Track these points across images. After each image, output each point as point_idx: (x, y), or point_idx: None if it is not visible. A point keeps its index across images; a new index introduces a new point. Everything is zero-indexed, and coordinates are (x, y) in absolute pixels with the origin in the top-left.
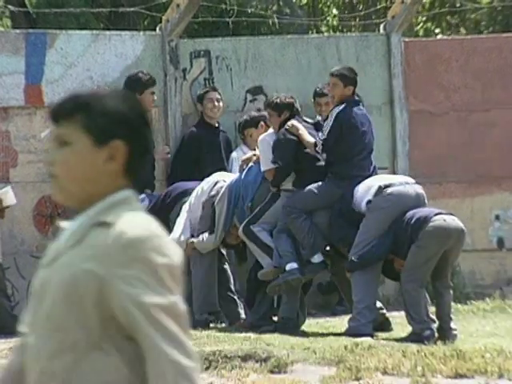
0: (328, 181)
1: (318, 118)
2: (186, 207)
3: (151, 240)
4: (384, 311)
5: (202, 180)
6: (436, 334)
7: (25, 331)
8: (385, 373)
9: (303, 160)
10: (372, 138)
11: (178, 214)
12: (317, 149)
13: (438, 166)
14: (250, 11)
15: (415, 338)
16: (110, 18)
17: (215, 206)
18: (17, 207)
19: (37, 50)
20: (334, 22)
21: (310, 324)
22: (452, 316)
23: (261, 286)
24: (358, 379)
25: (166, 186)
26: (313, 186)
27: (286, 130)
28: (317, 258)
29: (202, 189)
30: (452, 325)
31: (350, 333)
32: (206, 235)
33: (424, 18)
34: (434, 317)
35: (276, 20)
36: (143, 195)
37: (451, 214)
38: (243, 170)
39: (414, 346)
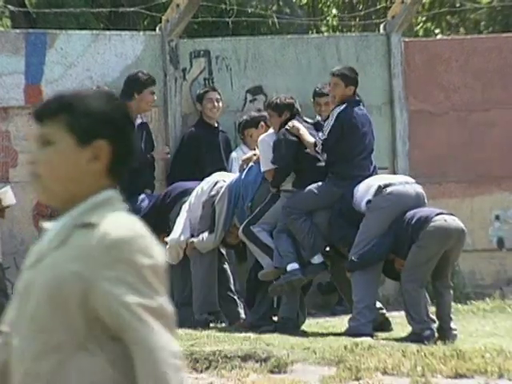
0: (328, 181)
1: (318, 118)
2: (185, 207)
3: (135, 241)
4: (384, 311)
5: (201, 180)
6: (436, 334)
7: (6, 331)
8: (385, 373)
9: (303, 160)
10: (372, 138)
11: (178, 214)
12: (317, 149)
13: (437, 165)
14: (249, 11)
15: (415, 337)
16: (109, 18)
17: (215, 205)
18: (17, 207)
19: (37, 50)
20: (334, 22)
21: (309, 324)
22: (452, 316)
23: (261, 286)
24: (357, 379)
25: (165, 186)
26: (313, 187)
27: (287, 130)
28: (317, 259)
29: (202, 188)
30: (452, 325)
31: (350, 333)
32: (205, 235)
33: (424, 18)
34: (434, 317)
35: (276, 20)
36: (143, 195)
37: (452, 215)
38: (243, 169)
39: (413, 346)
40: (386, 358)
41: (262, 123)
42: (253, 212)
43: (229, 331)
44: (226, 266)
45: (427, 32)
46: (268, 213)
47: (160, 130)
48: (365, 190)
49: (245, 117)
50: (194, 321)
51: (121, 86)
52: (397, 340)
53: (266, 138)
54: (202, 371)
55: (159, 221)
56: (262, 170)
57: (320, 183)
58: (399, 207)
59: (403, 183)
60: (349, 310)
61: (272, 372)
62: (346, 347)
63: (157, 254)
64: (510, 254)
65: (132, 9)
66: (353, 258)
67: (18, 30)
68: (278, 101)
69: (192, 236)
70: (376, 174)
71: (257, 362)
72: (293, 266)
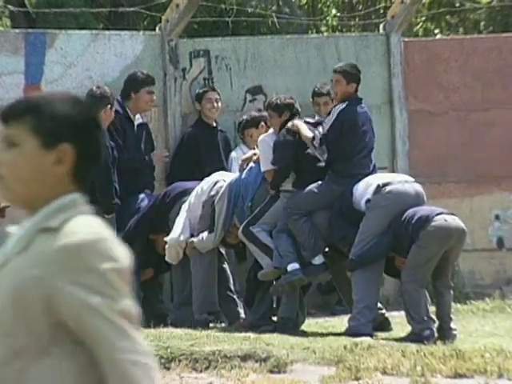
0: (328, 179)
1: (317, 117)
2: (185, 207)
3: (97, 244)
4: (383, 311)
5: (201, 180)
6: (436, 334)
7: None
8: (384, 373)
9: (303, 161)
10: (373, 137)
11: (178, 214)
12: (314, 142)
13: (437, 165)
14: (249, 11)
15: (415, 337)
16: (109, 18)
17: (215, 205)
18: (17, 207)
19: (36, 50)
20: (334, 22)
21: (309, 324)
22: (452, 316)
23: (260, 286)
24: (357, 379)
25: (165, 186)
26: (313, 186)
27: (288, 129)
28: (318, 260)
29: (201, 188)
30: (452, 325)
31: (350, 332)
32: (205, 234)
33: (423, 18)
34: (433, 317)
35: (275, 20)
36: (143, 195)
37: (453, 214)
38: (243, 169)
39: (413, 346)
40: (385, 358)
41: (263, 123)
42: (253, 212)
43: (228, 331)
44: (226, 265)
45: (427, 32)
46: (268, 213)
47: (160, 130)
48: (364, 188)
49: (245, 117)
50: (193, 321)
51: (120, 85)
52: (396, 340)
53: (266, 138)
54: (201, 371)
55: (159, 220)
56: (262, 170)
57: (320, 182)
58: (399, 206)
59: (402, 182)
60: (348, 310)
61: (272, 372)
62: (345, 347)
63: (120, 256)
64: (509, 253)
65: (132, 9)
66: (353, 257)
67: (17, 30)
68: (278, 101)
69: (192, 236)
70: (376, 172)
71: (256, 361)
72: (293, 266)
